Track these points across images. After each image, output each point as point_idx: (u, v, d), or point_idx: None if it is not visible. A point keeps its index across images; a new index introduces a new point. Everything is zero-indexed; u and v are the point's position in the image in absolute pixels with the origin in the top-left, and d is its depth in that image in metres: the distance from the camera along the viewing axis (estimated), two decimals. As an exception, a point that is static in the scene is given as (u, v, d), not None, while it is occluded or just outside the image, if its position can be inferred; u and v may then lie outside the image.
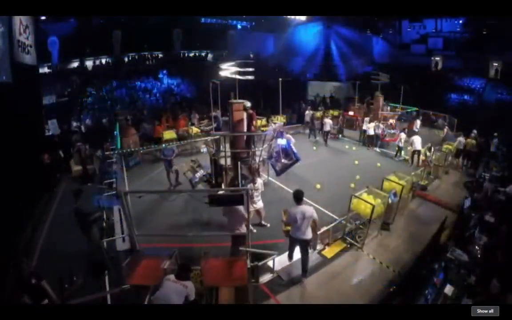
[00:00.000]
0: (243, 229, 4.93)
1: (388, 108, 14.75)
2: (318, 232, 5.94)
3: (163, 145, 9.54)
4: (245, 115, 8.09)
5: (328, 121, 13.45)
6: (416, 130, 13.32)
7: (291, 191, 8.06)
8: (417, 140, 10.48)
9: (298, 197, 5.11)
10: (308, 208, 5.08)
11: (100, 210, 6.24)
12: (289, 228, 5.28)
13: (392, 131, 13.54)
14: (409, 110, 15.72)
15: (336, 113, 17.41)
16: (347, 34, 27.15)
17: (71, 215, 7.16)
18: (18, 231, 6.59)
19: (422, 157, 10.02)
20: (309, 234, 5.11)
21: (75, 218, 5.70)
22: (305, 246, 5.15)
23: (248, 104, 8.34)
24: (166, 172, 8.84)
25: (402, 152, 11.59)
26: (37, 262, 5.79)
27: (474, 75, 20.46)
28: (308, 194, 6.86)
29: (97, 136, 12.66)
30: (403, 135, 11.70)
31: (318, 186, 8.58)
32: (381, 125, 13.11)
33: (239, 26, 28.78)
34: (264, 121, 14.32)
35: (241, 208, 4.76)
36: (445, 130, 13.23)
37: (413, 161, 10.74)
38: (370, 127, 12.89)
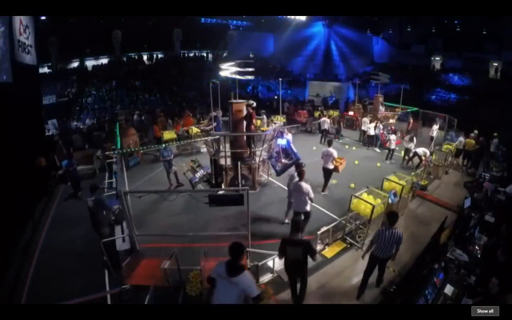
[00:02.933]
0: (307, 208, 5.86)
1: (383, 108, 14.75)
2: (318, 232, 5.96)
3: (163, 145, 9.54)
4: (245, 112, 8.13)
5: (326, 120, 13.80)
6: (434, 135, 12.69)
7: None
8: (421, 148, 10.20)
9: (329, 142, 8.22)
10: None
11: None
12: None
13: (394, 135, 13.26)
14: (409, 110, 15.70)
15: (336, 113, 17.45)
16: (347, 34, 27.17)
17: (71, 215, 7.18)
18: (18, 231, 6.59)
19: (423, 158, 9.95)
20: (330, 165, 8.06)
21: (89, 212, 5.72)
22: (328, 173, 8.20)
23: (254, 104, 8.41)
24: (166, 173, 8.84)
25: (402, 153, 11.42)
26: (37, 262, 5.79)
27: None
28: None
29: (97, 137, 12.71)
30: (393, 137, 11.39)
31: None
32: (381, 126, 13.07)
33: (239, 26, 28.78)
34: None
35: (306, 188, 5.70)
36: (410, 121, 14.01)
37: (409, 161, 10.64)
38: (370, 127, 12.87)
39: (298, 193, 5.88)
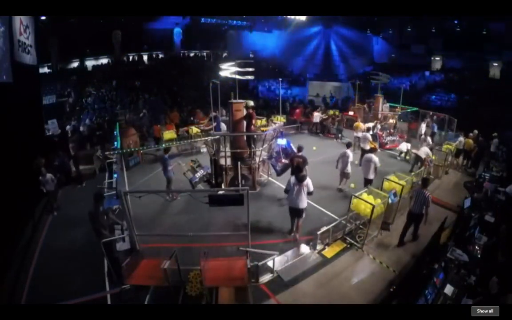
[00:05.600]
0: (371, 175, 7.69)
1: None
2: (318, 232, 5.97)
3: (163, 145, 9.49)
4: (244, 112, 8.12)
5: (318, 115, 15.38)
6: (423, 132, 12.73)
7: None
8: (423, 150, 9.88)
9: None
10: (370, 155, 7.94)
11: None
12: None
13: (393, 138, 13.14)
14: (409, 110, 15.68)
15: (336, 113, 17.42)
16: (347, 34, 27.15)
17: (71, 215, 7.17)
18: (18, 231, 6.59)
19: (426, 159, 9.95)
20: (367, 146, 9.70)
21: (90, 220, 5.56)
22: (365, 152, 8.96)
23: (251, 103, 8.37)
24: (167, 182, 8.23)
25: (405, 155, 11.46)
26: (37, 262, 5.79)
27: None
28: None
29: (97, 137, 12.70)
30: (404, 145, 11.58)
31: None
32: (378, 126, 13.02)
33: (239, 26, 28.76)
34: (264, 121, 14.33)
35: (375, 159, 7.66)
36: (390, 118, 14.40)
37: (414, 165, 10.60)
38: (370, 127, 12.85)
39: (367, 163, 7.72)
